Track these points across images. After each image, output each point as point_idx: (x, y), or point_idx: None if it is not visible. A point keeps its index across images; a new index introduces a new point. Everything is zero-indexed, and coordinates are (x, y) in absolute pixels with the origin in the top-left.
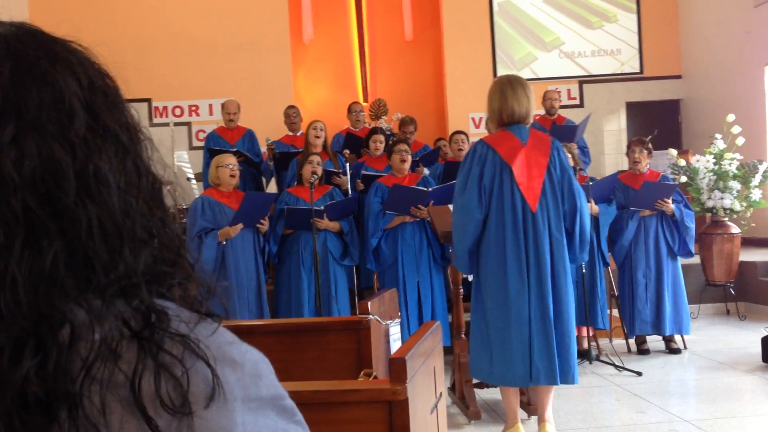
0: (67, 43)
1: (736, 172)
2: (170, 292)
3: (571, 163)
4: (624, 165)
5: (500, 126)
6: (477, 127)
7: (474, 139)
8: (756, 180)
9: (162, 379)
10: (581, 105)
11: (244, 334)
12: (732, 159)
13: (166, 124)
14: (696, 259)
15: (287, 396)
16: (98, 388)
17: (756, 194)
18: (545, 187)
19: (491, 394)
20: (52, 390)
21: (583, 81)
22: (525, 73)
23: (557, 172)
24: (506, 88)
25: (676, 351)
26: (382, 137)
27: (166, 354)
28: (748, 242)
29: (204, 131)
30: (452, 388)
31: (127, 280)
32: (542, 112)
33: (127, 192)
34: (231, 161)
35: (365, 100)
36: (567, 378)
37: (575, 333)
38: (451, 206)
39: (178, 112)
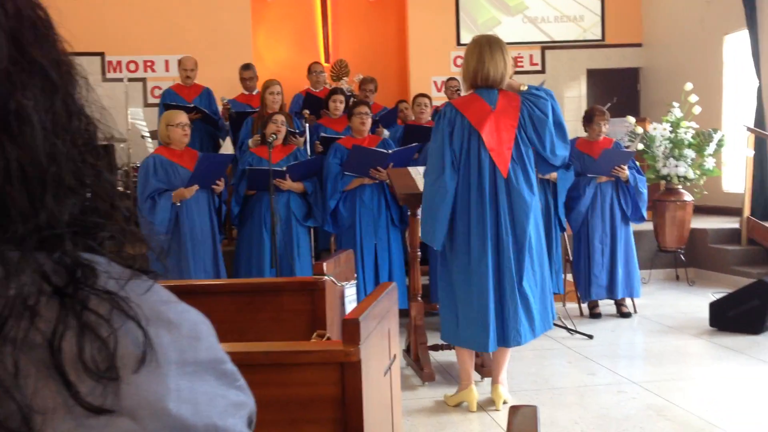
0: None
1: (691, 140)
2: (102, 247)
3: None
4: (584, 131)
5: (472, 87)
6: (439, 90)
7: (436, 102)
8: (710, 149)
9: (86, 341)
10: (543, 71)
11: (199, 294)
12: (688, 128)
13: (120, 80)
14: (648, 226)
15: (228, 360)
16: (11, 349)
17: (709, 163)
18: (515, 151)
19: (446, 356)
20: None
21: (546, 47)
22: None
23: (529, 130)
24: (485, 50)
25: (627, 315)
26: (342, 97)
27: (92, 313)
28: (700, 210)
29: (159, 88)
30: (407, 351)
31: (49, 230)
32: None
33: (54, 134)
34: (182, 119)
35: (327, 60)
36: (546, 326)
37: (550, 289)
38: (411, 169)
39: (132, 67)
